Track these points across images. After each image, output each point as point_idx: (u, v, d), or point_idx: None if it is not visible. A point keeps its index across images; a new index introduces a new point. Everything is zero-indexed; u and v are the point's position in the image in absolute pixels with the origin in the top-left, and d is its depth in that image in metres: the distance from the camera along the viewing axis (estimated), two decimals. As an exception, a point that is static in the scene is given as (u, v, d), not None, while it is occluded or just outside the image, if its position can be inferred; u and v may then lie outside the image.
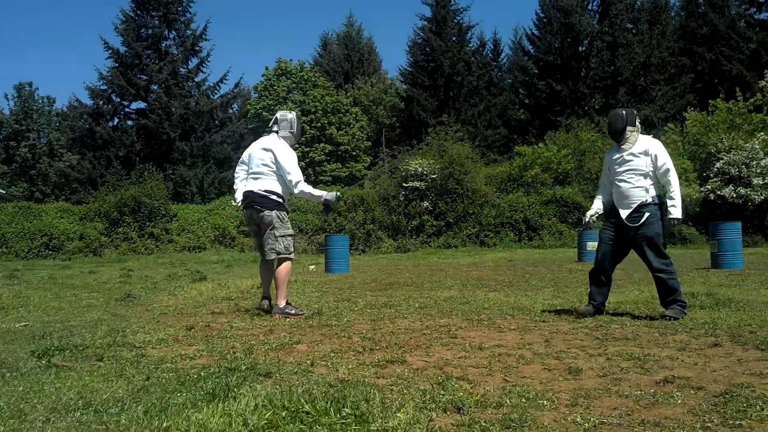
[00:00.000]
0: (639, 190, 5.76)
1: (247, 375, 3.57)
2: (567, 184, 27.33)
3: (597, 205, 6.20)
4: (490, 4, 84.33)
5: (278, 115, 6.59)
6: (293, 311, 6.14)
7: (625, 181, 5.81)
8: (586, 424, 2.69)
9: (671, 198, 5.71)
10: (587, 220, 6.21)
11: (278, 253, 6.15)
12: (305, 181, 6.39)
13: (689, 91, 36.53)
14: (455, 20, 39.74)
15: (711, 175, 23.12)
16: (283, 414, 2.73)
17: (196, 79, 33.75)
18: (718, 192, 22.47)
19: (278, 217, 6.20)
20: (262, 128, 33.20)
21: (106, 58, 32.65)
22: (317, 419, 2.69)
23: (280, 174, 6.23)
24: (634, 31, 37.67)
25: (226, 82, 37.41)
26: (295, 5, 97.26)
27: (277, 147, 6.29)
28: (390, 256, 21.41)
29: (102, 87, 32.66)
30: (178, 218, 24.61)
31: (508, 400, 3.05)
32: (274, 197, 6.19)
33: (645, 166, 5.76)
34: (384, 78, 46.64)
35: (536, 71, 39.66)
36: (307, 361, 3.99)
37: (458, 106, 36.76)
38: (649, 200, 5.74)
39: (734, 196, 22.02)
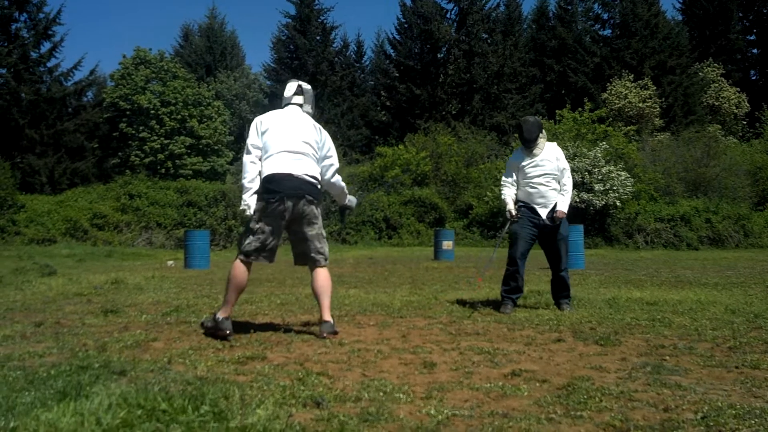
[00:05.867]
0: (554, 192, 6.21)
1: (101, 373, 3.40)
2: (425, 185, 28.17)
3: (511, 198, 6.35)
4: (354, 6, 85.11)
5: (303, 85, 5.11)
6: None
7: (543, 184, 6.18)
8: (440, 416, 2.78)
9: (563, 195, 6.21)
10: (514, 213, 6.26)
11: (326, 258, 4.94)
12: None
13: (538, 101, 38.66)
14: (319, 20, 39.80)
15: (557, 180, 24.44)
16: (139, 412, 2.65)
17: (49, 65, 31.68)
18: (564, 197, 23.81)
19: (321, 213, 4.99)
20: (118, 118, 31.64)
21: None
22: (174, 417, 2.63)
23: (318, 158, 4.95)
24: (489, 41, 39.27)
25: (80, 69, 35.42)
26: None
27: (318, 125, 5.05)
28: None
29: (-55, 69, 29.77)
30: (26, 209, 22.89)
31: (366, 394, 3.11)
32: (320, 187, 4.93)
33: (556, 170, 6.21)
34: (247, 73, 45.72)
35: (397, 75, 40.48)
36: (164, 359, 3.87)
37: (322, 105, 36.86)
38: None
39: (578, 200, 23.32)
